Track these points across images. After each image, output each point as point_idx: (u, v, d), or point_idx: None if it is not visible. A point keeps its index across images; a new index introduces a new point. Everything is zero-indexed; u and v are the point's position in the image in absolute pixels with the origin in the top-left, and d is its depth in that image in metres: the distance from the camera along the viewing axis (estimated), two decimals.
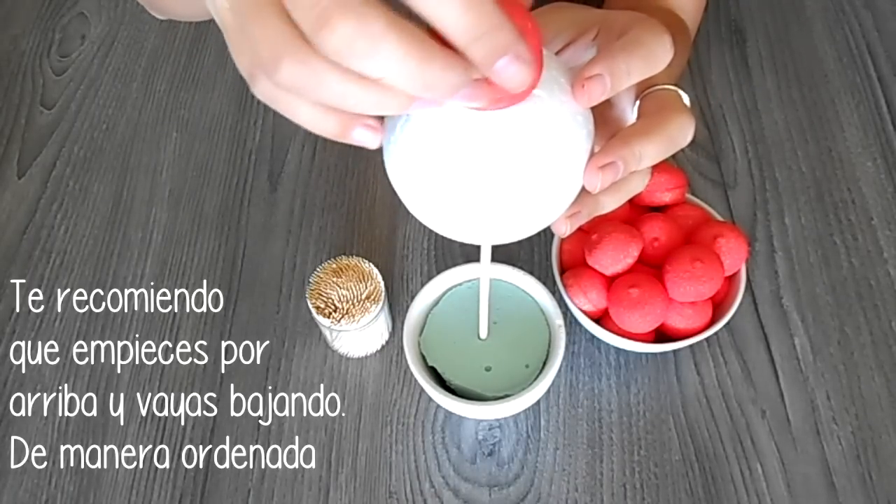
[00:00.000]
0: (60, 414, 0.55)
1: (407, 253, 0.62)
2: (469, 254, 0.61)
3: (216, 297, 0.60)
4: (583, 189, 0.35)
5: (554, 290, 0.53)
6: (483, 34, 0.25)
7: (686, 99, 0.37)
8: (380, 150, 0.35)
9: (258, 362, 0.57)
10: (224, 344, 0.58)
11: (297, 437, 0.54)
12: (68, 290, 0.61)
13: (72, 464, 0.54)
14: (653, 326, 0.51)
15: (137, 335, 0.59)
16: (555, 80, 0.32)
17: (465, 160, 0.31)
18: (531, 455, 0.53)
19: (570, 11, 0.39)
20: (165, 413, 0.55)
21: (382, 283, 0.53)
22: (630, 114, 0.39)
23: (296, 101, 0.28)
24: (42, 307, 0.60)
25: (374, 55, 0.24)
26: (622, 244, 0.50)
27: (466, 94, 0.27)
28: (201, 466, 0.53)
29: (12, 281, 0.61)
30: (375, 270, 0.53)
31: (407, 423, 0.55)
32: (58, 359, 0.58)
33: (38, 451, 0.54)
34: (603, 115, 0.39)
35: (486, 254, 0.44)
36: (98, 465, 0.54)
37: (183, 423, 0.55)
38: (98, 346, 0.58)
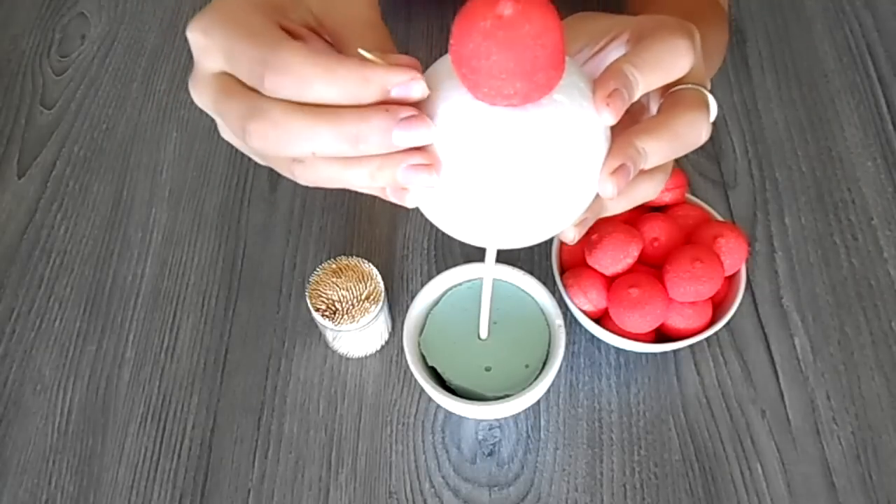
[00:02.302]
0: (60, 414, 0.55)
1: (407, 253, 0.62)
2: (469, 254, 0.61)
3: (216, 297, 0.60)
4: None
5: (554, 290, 0.53)
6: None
7: (711, 99, 0.36)
8: None
9: (258, 362, 0.57)
10: (224, 344, 0.58)
11: (296, 437, 0.54)
12: (68, 289, 0.61)
13: (72, 464, 0.54)
14: (653, 326, 0.51)
15: (137, 335, 0.59)
16: (574, 86, 0.32)
17: (483, 161, 0.31)
18: (531, 455, 0.53)
19: (600, 20, 0.39)
20: (165, 413, 0.55)
21: (382, 284, 0.53)
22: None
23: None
24: (42, 307, 0.60)
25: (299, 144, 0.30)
26: (622, 244, 0.50)
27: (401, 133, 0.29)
28: (201, 466, 0.53)
29: (12, 281, 0.61)
30: (375, 271, 0.53)
31: (407, 423, 0.55)
32: (58, 359, 0.58)
33: (38, 451, 0.54)
34: (634, 118, 0.38)
35: (490, 255, 0.44)
36: (98, 465, 0.54)
37: (183, 422, 0.55)
38: (98, 346, 0.58)
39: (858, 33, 0.72)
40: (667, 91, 0.36)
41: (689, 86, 0.36)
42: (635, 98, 0.33)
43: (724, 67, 0.70)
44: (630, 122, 0.35)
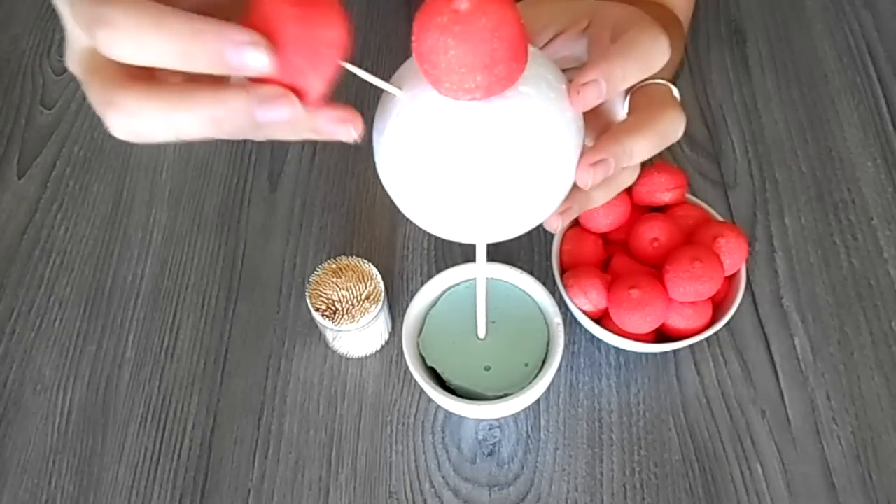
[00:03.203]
0: (60, 414, 0.55)
1: (407, 253, 0.62)
2: (468, 254, 0.61)
3: (216, 297, 0.60)
4: (573, 184, 0.35)
5: (554, 291, 0.53)
6: (193, 49, 0.26)
7: (676, 93, 0.37)
8: None
9: (258, 362, 0.57)
10: (224, 344, 0.58)
11: (296, 437, 0.54)
12: (68, 289, 0.61)
13: (72, 464, 0.54)
14: (653, 327, 0.51)
15: (137, 335, 0.59)
16: (542, 77, 0.32)
17: (452, 156, 0.31)
18: (531, 455, 0.53)
19: (562, 1, 0.39)
20: (165, 413, 0.55)
21: (382, 284, 0.53)
22: (621, 108, 0.39)
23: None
24: (42, 307, 0.60)
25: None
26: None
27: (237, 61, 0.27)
28: (201, 466, 0.53)
29: (12, 281, 0.61)
30: (375, 270, 0.53)
31: (407, 423, 0.55)
32: (58, 359, 0.58)
33: (38, 451, 0.54)
34: (594, 109, 0.39)
35: (481, 253, 0.44)
36: (98, 465, 0.54)
37: (183, 422, 0.55)
38: (98, 346, 0.58)
39: (858, 33, 0.72)
40: (634, 84, 0.37)
41: (660, 81, 0.37)
42: (618, 91, 0.33)
43: (724, 67, 0.70)
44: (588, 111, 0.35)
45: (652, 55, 0.34)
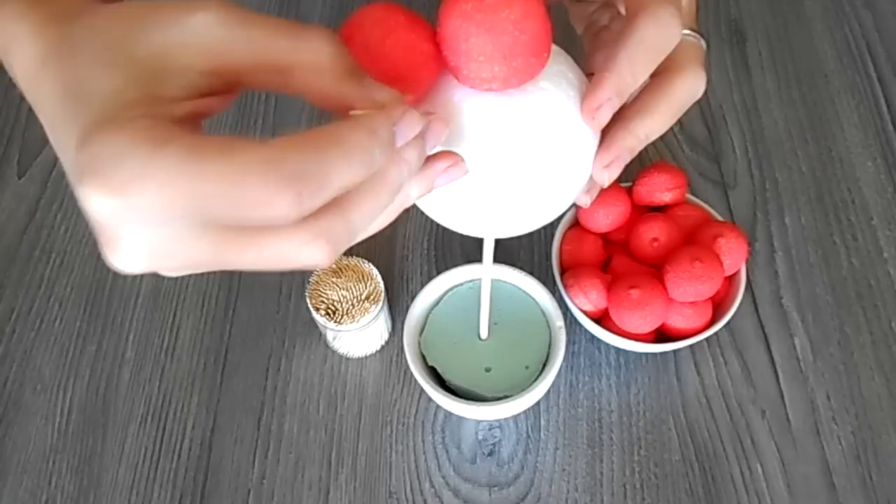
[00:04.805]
0: (60, 414, 0.55)
1: (407, 253, 0.62)
2: (469, 254, 0.61)
3: (216, 297, 0.60)
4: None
5: (554, 291, 0.52)
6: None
7: (702, 42, 0.35)
8: None
9: (258, 362, 0.57)
10: (224, 344, 0.58)
11: (296, 437, 0.54)
12: (68, 289, 0.61)
13: (72, 464, 0.54)
14: (653, 327, 0.51)
15: (137, 335, 0.59)
16: (562, 75, 0.32)
17: (470, 149, 0.31)
18: (531, 455, 0.53)
19: None
20: (165, 413, 0.55)
21: (382, 284, 0.53)
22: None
23: None
24: (42, 307, 0.60)
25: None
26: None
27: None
28: (201, 466, 0.53)
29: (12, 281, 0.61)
30: (375, 271, 0.53)
31: (407, 423, 0.55)
32: (58, 359, 0.58)
33: (38, 451, 0.54)
34: (597, 35, 0.38)
35: (488, 252, 0.44)
36: (98, 465, 0.54)
37: (183, 422, 0.55)
38: (98, 346, 0.58)
39: (858, 33, 0.72)
40: None
41: (683, 33, 0.34)
42: (632, 92, 0.33)
43: (724, 67, 0.70)
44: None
45: (660, 45, 0.32)
